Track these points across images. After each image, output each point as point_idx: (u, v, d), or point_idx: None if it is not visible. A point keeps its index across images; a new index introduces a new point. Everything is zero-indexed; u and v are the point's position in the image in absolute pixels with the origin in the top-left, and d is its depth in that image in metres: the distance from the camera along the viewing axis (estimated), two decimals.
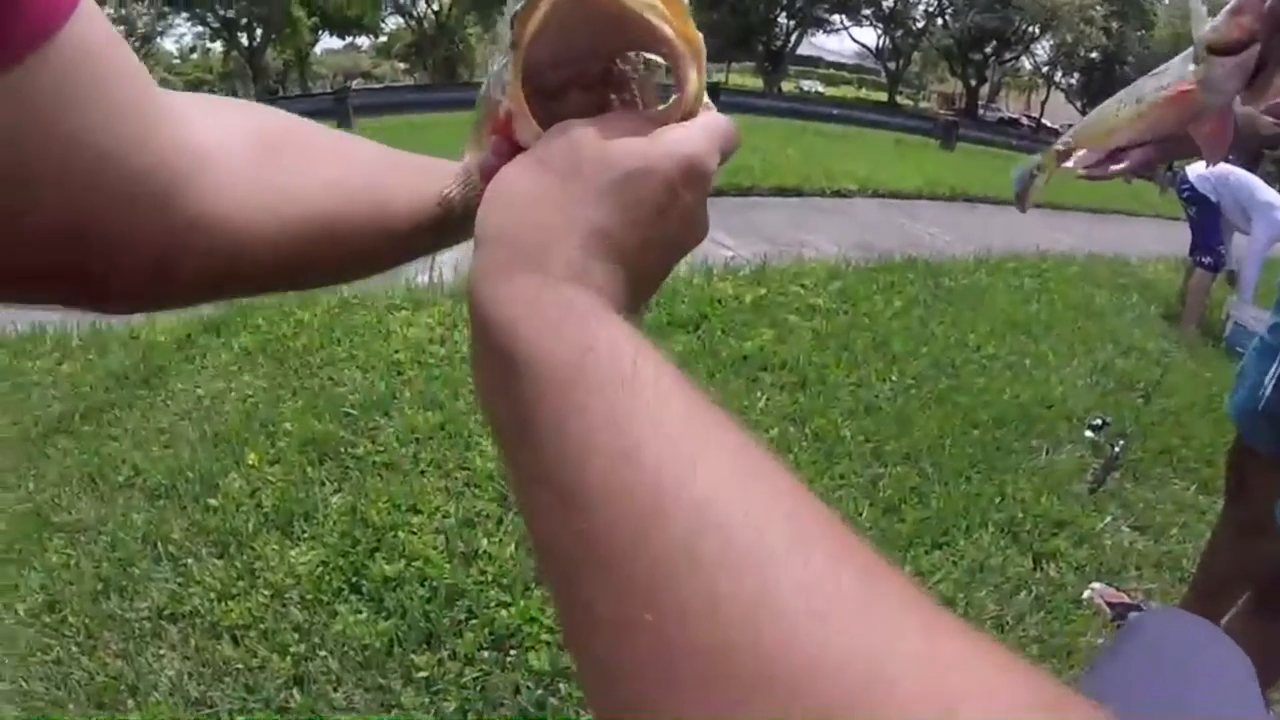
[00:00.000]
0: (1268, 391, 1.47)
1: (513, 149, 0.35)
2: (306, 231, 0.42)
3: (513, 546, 1.95)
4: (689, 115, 0.34)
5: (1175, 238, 5.60)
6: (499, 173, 0.32)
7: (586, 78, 0.37)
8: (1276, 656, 1.40)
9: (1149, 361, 3.94)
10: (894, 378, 3.20)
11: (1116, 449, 2.58)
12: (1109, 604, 2.04)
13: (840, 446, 2.52)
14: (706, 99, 0.35)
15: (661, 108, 0.35)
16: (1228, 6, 0.93)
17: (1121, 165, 1.12)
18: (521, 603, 1.78)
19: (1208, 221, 4.78)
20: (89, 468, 2.41)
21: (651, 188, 0.31)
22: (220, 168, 0.38)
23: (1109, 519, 2.44)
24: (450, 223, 0.48)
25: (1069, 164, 1.16)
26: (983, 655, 0.20)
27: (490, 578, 1.85)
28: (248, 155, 0.40)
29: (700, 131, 0.33)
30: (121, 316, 4.06)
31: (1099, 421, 2.91)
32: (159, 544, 2.04)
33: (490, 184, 0.32)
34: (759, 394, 2.83)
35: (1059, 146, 1.18)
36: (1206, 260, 4.85)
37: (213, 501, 2.20)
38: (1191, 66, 0.96)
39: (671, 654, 0.20)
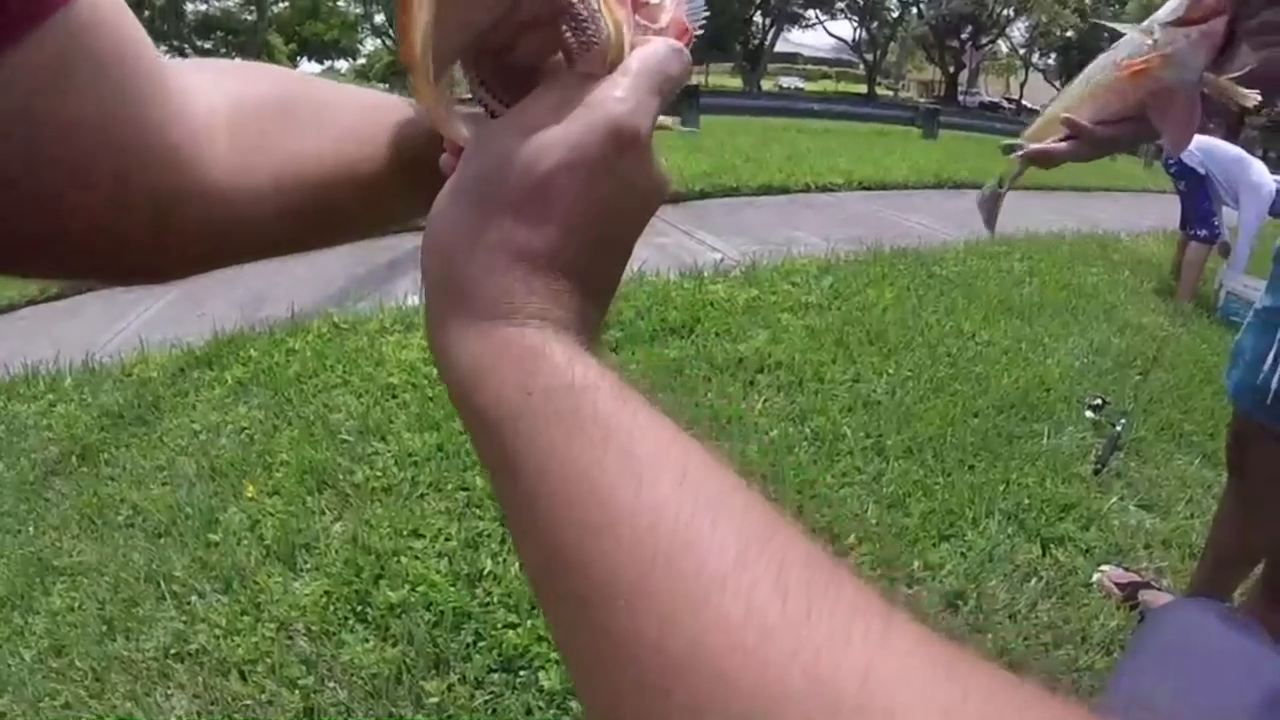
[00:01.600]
0: (1274, 383, 1.44)
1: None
2: (323, 192, 0.42)
3: (517, 566, 1.93)
4: (614, 63, 0.30)
5: (1164, 211, 5.61)
6: (432, 208, 0.30)
7: (533, 18, 0.31)
8: None
9: (1145, 337, 3.94)
10: (891, 370, 3.19)
11: (1118, 428, 2.57)
12: (1118, 585, 2.03)
13: (841, 444, 2.51)
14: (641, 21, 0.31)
15: (577, 64, 0.30)
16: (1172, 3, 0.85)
17: (1062, 145, 0.97)
18: (529, 622, 1.76)
19: (1199, 194, 4.79)
20: (88, 509, 2.39)
21: (578, 180, 0.28)
22: (229, 133, 0.38)
23: (1115, 499, 2.43)
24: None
25: (1015, 159, 1.05)
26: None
27: (496, 598, 1.84)
28: (258, 118, 0.40)
29: (622, 87, 0.29)
30: (112, 348, 4.00)
31: (1099, 401, 2.91)
32: (162, 582, 2.02)
33: (431, 214, 0.30)
34: (756, 396, 2.82)
35: (1010, 149, 1.07)
36: (1202, 233, 4.86)
37: (213, 536, 2.18)
38: (1149, 40, 0.86)
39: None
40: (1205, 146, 4.54)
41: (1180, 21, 0.83)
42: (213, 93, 0.38)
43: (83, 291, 5.74)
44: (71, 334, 4.59)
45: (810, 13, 38.63)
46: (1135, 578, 2.05)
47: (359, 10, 34.39)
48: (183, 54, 31.67)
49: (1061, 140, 0.96)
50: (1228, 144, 4.82)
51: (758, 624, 0.20)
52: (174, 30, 29.35)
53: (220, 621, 1.86)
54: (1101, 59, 0.92)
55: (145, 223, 0.35)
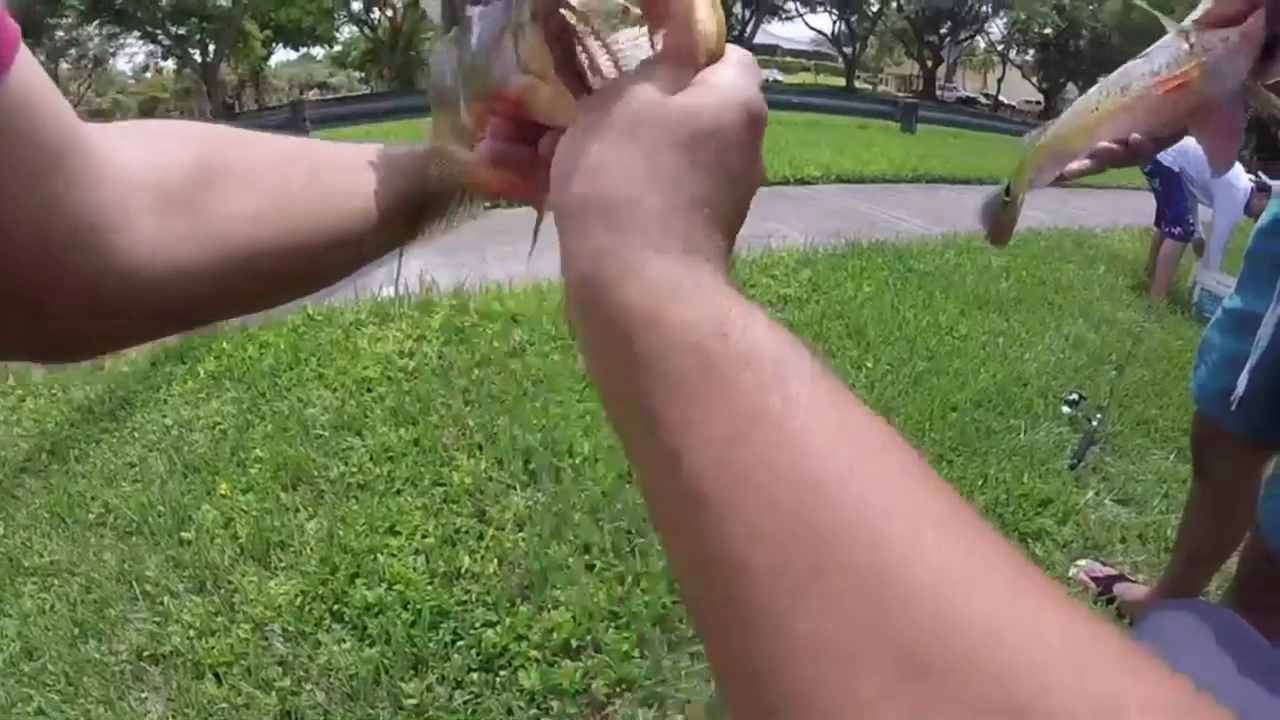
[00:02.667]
0: (1240, 389, 1.43)
1: (519, 130, 0.34)
2: (251, 259, 0.40)
3: (495, 563, 1.92)
4: (714, 56, 0.31)
5: (1139, 207, 5.68)
6: (567, 145, 0.30)
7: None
8: None
9: (1120, 333, 3.98)
10: (869, 365, 3.20)
11: (1094, 423, 2.59)
12: (1095, 579, 2.05)
13: None
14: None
15: (674, 52, 0.31)
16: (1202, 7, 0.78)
17: (1084, 164, 0.92)
18: (508, 620, 1.74)
19: (1173, 192, 4.84)
20: (58, 507, 2.34)
21: (728, 144, 0.30)
22: (151, 208, 0.36)
23: (1091, 494, 2.45)
24: (409, 219, 0.49)
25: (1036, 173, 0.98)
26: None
27: (474, 596, 1.82)
28: (183, 188, 0.38)
29: (742, 72, 0.32)
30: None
31: (1075, 396, 2.93)
32: (134, 583, 1.98)
33: (561, 159, 0.30)
34: None
35: (1028, 152, 0.99)
36: (1176, 230, 4.91)
37: (186, 535, 2.15)
38: (1185, 46, 0.78)
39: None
40: (1179, 145, 4.58)
41: (1215, 22, 0.76)
42: (137, 163, 0.37)
43: None
44: None
45: (790, 5, 38.64)
46: (1112, 571, 2.08)
47: None
48: (155, 40, 31.16)
49: (1090, 157, 0.91)
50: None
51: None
52: (148, 16, 28.80)
53: (194, 622, 1.83)
54: (1138, 66, 0.85)
55: (68, 305, 0.35)
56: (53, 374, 3.41)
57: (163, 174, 0.38)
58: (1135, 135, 0.85)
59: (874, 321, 3.63)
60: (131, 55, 35.25)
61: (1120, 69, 0.87)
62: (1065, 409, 2.91)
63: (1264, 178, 4.70)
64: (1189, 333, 4.15)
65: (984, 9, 35.77)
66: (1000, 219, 1.06)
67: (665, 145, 0.29)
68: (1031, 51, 38.95)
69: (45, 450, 2.71)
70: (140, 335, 0.41)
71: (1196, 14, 0.78)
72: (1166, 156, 4.61)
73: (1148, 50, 0.84)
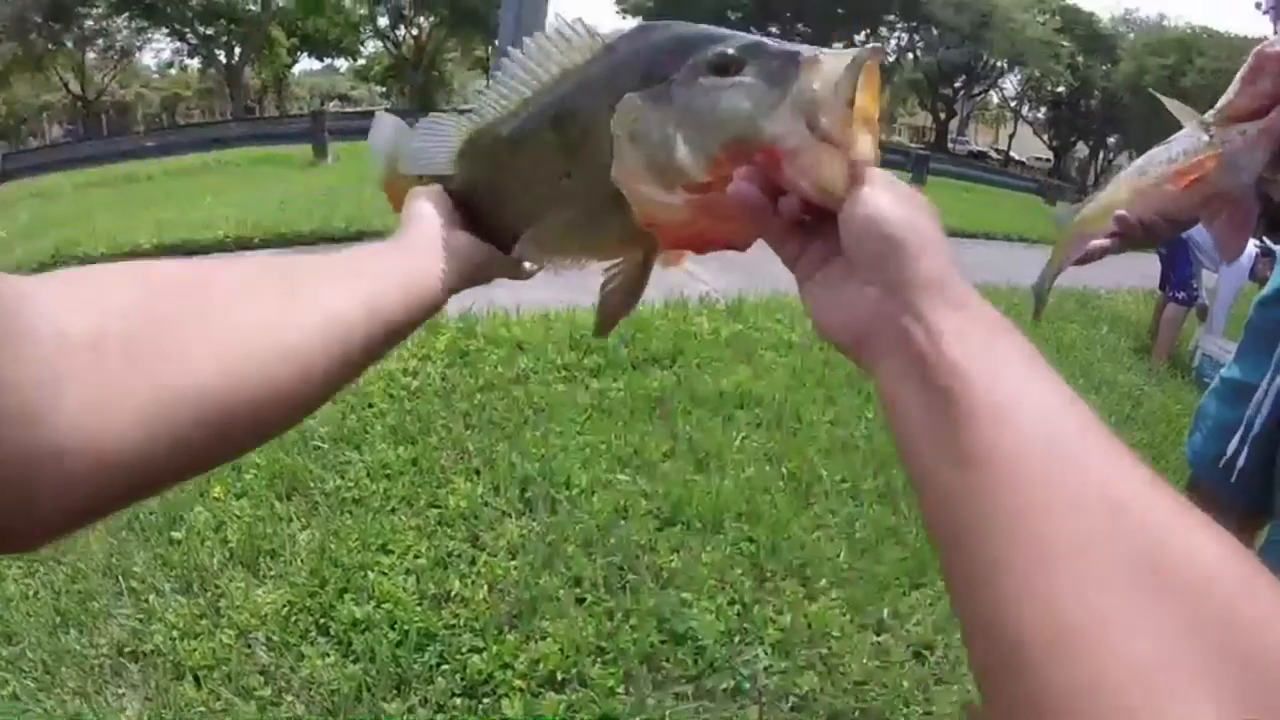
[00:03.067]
0: (1234, 455, 1.43)
1: (769, 188, 0.40)
2: (215, 417, 0.36)
3: (485, 589, 1.91)
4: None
5: (1144, 269, 5.72)
6: (895, 215, 0.37)
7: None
8: None
9: (1120, 395, 4.00)
10: (870, 415, 3.21)
11: None
12: None
13: (817, 485, 2.52)
14: None
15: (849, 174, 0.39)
16: (1240, 72, 0.79)
17: (1104, 244, 0.95)
18: (495, 648, 1.74)
19: (1179, 256, 4.89)
20: None
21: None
22: (80, 381, 0.32)
23: None
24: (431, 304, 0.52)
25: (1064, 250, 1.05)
26: None
27: (463, 621, 1.81)
28: (115, 351, 0.34)
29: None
30: None
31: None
32: (120, 577, 1.98)
33: (895, 209, 0.37)
34: (735, 432, 2.82)
35: (1061, 226, 1.06)
36: (1180, 295, 4.96)
37: (176, 535, 2.14)
38: (1205, 137, 0.80)
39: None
40: None
41: (1235, 115, 0.77)
42: (72, 321, 0.33)
43: (70, 262, 5.68)
44: None
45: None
46: None
47: (364, 11, 34.38)
48: (183, 38, 31.49)
49: (1109, 236, 0.93)
50: None
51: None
52: (178, 14, 29.17)
53: (178, 623, 1.82)
54: (1158, 152, 0.87)
55: (7, 491, 0.31)
56: None
57: (100, 331, 0.33)
58: (1152, 218, 0.87)
59: None
60: (158, 51, 35.64)
61: (1144, 155, 0.90)
62: None
63: (1269, 244, 4.75)
64: (1188, 397, 4.17)
65: (999, 64, 36.28)
66: (1042, 296, 1.16)
67: (929, 229, 0.37)
68: (1044, 109, 39.44)
69: None
70: (95, 513, 0.36)
71: (1219, 105, 0.79)
72: None
73: (1170, 138, 0.85)
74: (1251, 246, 4.70)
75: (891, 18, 36.24)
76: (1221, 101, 0.79)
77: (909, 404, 0.34)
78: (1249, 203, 0.81)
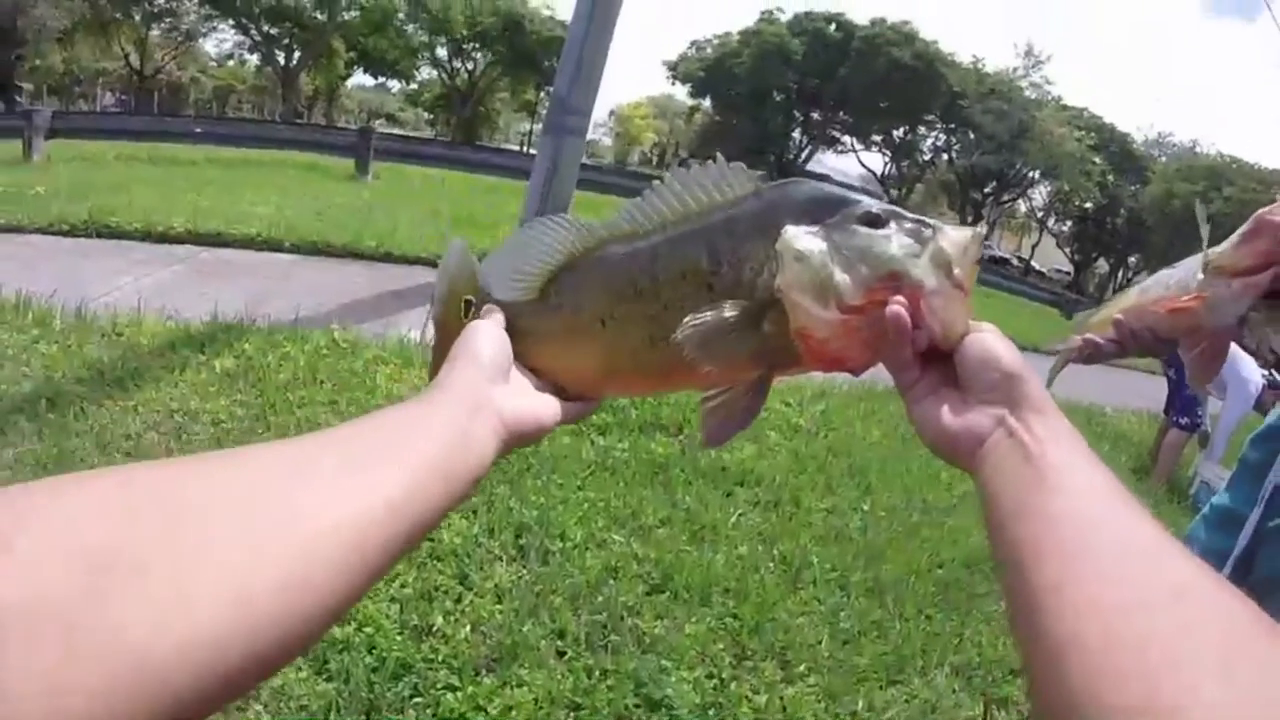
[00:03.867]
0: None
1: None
2: (189, 682, 0.29)
3: (468, 628, 1.90)
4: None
5: (1152, 392, 5.75)
6: (995, 338, 0.49)
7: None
8: None
9: None
10: (866, 507, 3.21)
11: None
12: None
13: (807, 571, 2.51)
14: None
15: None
16: (1241, 229, 0.87)
17: (1105, 345, 1.07)
18: (470, 688, 1.72)
19: (1185, 383, 4.93)
20: (46, 459, 2.35)
21: None
22: (24, 644, 0.26)
23: None
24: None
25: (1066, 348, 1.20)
26: None
27: (441, 657, 1.80)
28: (67, 603, 0.27)
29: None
30: (108, 300, 3.97)
31: None
32: None
33: (1004, 347, 0.49)
34: (733, 509, 2.83)
35: (1069, 345, 1.19)
36: (1183, 421, 4.99)
37: None
38: (1200, 275, 0.91)
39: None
40: None
41: (1228, 270, 0.87)
42: (26, 563, 0.28)
43: (94, 236, 5.76)
44: (74, 275, 4.58)
45: (847, 139, 40.02)
46: None
47: (425, 38, 35.33)
48: (247, 32, 32.20)
49: (1108, 340, 1.06)
50: None
51: None
52: (245, 9, 30.03)
53: None
54: (1164, 275, 0.99)
55: None
56: (71, 326, 3.45)
57: (38, 586, 0.27)
58: (1142, 331, 1.00)
59: (877, 466, 3.66)
60: (220, 41, 36.53)
61: (1154, 275, 1.02)
62: None
63: (1277, 376, 4.79)
64: (1183, 522, 4.14)
65: (1031, 174, 36.92)
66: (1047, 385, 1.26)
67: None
68: (1070, 222, 39.93)
69: (47, 397, 2.72)
70: None
71: (1218, 251, 0.88)
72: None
73: (1177, 264, 0.97)
74: (1260, 378, 4.75)
75: (931, 117, 37.07)
76: (1222, 247, 0.89)
77: (1008, 492, 0.44)
78: (1224, 341, 0.93)
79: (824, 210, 0.53)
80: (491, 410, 0.50)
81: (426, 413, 0.47)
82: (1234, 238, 0.89)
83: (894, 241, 0.51)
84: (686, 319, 0.53)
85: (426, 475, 0.42)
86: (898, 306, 0.48)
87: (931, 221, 0.51)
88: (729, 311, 0.53)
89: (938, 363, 0.51)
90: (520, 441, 0.53)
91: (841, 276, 0.50)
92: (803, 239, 0.52)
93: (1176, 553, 0.37)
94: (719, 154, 0.57)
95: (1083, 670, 0.33)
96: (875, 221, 0.51)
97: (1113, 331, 1.06)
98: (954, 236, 0.51)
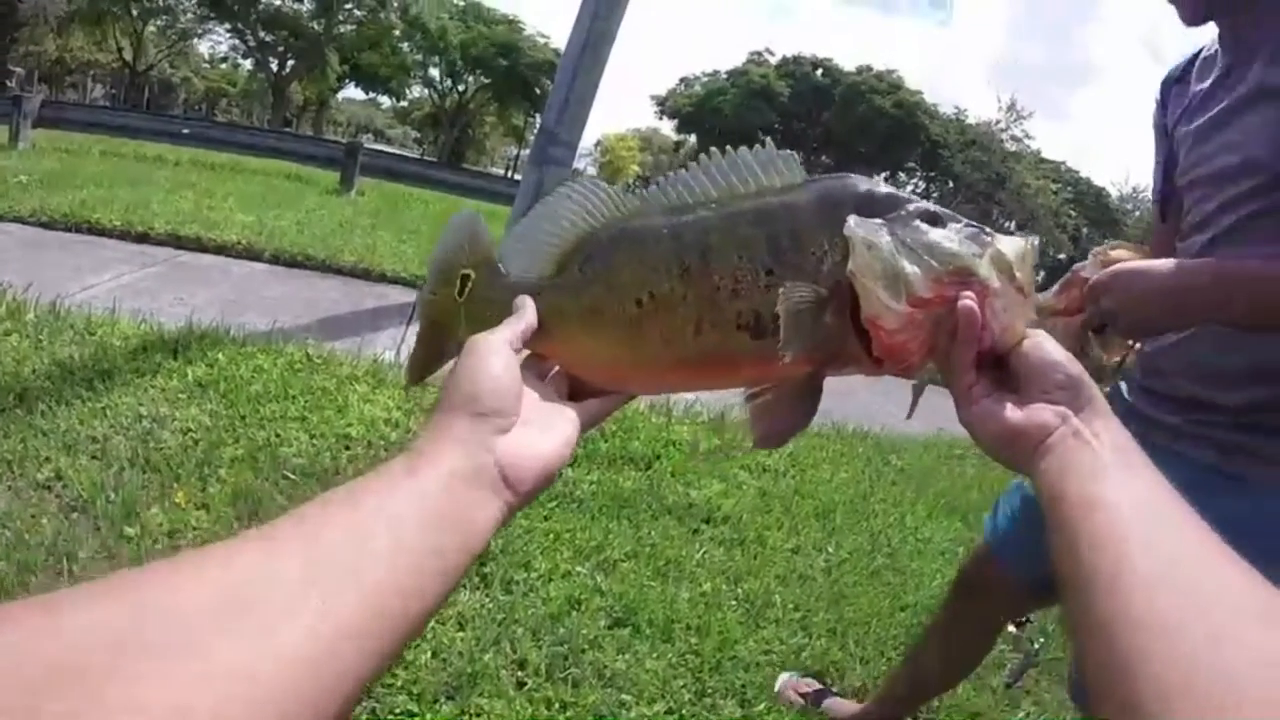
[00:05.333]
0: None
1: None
2: None
3: (429, 654, 1.89)
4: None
5: None
6: (1055, 345, 0.51)
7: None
8: None
9: None
10: (831, 549, 3.24)
11: (1036, 646, 2.61)
12: (801, 694, 2.10)
13: (770, 611, 2.52)
14: None
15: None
16: (1061, 280, 1.15)
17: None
18: (429, 716, 1.71)
19: None
20: (10, 455, 2.32)
21: None
22: None
23: (1022, 715, 2.45)
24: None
25: None
26: None
27: (400, 683, 1.78)
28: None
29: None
30: (82, 298, 3.93)
31: (1022, 619, 2.95)
32: (65, 559, 1.94)
33: (1064, 354, 0.50)
34: (698, 546, 2.84)
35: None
36: None
37: (130, 530, 2.12)
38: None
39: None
40: None
41: (1054, 311, 1.11)
42: None
43: (73, 230, 5.69)
44: (50, 268, 4.53)
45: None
46: (818, 685, 2.14)
47: (418, 57, 35.50)
48: (243, 38, 32.16)
49: None
50: None
51: None
52: (243, 14, 30.04)
53: None
54: None
55: None
56: (44, 320, 3.41)
57: None
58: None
59: (844, 507, 3.69)
60: (215, 43, 36.55)
61: None
62: (1011, 629, 2.93)
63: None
64: None
65: (1007, 225, 37.67)
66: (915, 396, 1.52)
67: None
68: (1043, 273, 40.67)
69: (15, 393, 2.68)
70: None
71: (1043, 296, 1.09)
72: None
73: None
74: None
75: (912, 164, 37.80)
76: (1048, 294, 1.13)
77: (1070, 493, 0.44)
78: None
79: (883, 205, 0.52)
80: (491, 471, 0.44)
81: (404, 501, 0.40)
82: (1056, 287, 1.15)
83: (959, 238, 0.51)
84: (784, 291, 0.50)
85: (392, 596, 0.37)
86: (969, 300, 0.49)
87: (987, 229, 0.52)
88: (818, 292, 0.51)
89: (989, 369, 0.52)
90: (530, 498, 0.47)
91: (912, 268, 0.49)
92: (871, 228, 0.51)
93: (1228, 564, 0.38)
94: (768, 138, 0.55)
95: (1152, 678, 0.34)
96: (936, 220, 0.52)
97: None
98: (1013, 243, 0.51)
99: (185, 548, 2.05)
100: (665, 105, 40.04)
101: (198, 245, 6.01)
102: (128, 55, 32.65)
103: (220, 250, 6.05)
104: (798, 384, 0.55)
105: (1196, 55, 1.29)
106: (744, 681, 2.14)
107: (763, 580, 2.74)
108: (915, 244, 0.50)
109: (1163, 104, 1.35)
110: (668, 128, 43.52)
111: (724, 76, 38.43)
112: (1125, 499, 0.42)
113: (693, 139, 40.18)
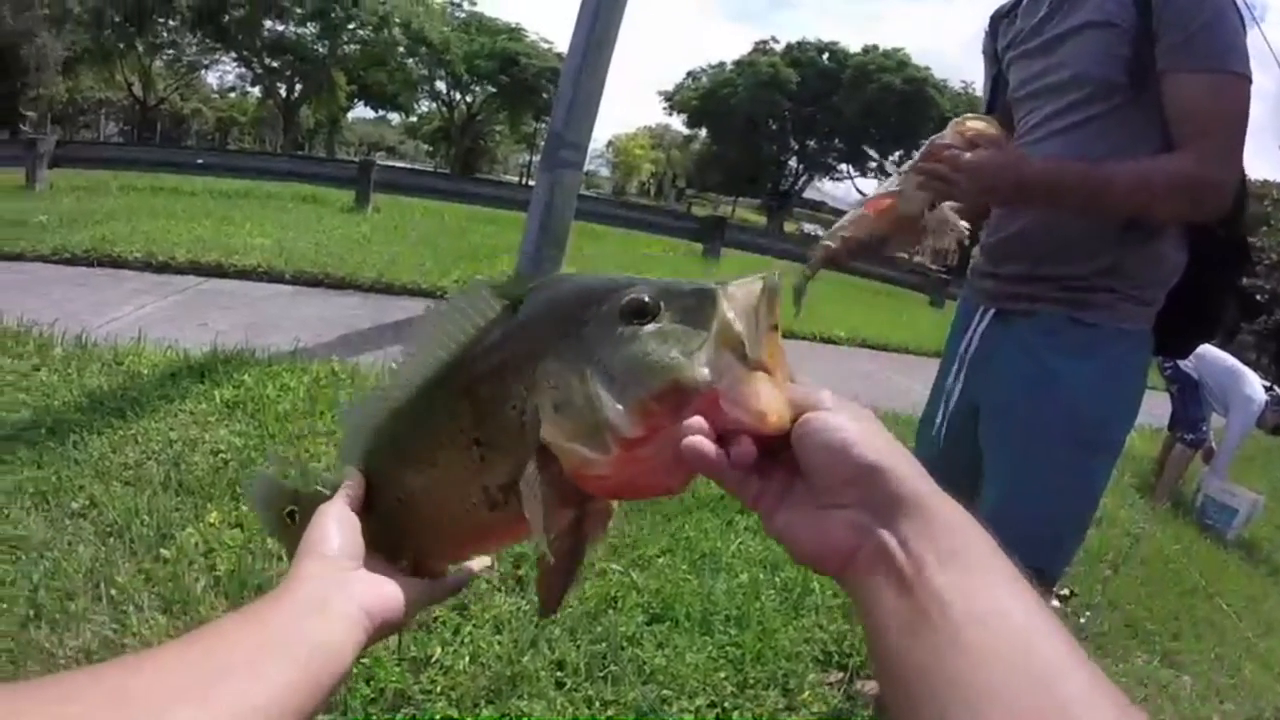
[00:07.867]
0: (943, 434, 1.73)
1: (712, 432, 0.41)
2: None
3: (467, 659, 1.88)
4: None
5: (1154, 409, 5.75)
6: (845, 418, 0.41)
7: None
8: None
9: (1120, 532, 3.98)
10: None
11: (1083, 620, 2.57)
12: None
13: (808, 599, 2.49)
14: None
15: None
16: (920, 150, 1.48)
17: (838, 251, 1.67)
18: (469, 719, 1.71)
19: (1190, 399, 4.97)
20: (45, 485, 2.35)
21: None
22: None
23: None
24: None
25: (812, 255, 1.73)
26: None
27: (440, 689, 1.78)
28: None
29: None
30: (108, 330, 4.00)
31: (1066, 592, 2.92)
32: (102, 584, 1.96)
33: (856, 429, 0.40)
34: (733, 536, 2.81)
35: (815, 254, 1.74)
36: (1188, 436, 5.02)
37: (165, 552, 2.13)
38: (894, 185, 1.56)
39: None
40: (1201, 353, 4.69)
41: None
42: None
43: (95, 265, 5.79)
44: (73, 303, 4.60)
45: (843, 166, 40.32)
46: None
47: (424, 72, 35.76)
48: (250, 66, 32.64)
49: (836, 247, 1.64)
50: (1223, 353, 5.03)
51: None
52: (248, 42, 30.41)
53: (153, 641, 1.80)
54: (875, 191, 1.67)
55: None
56: (71, 354, 3.46)
57: None
58: (866, 236, 1.62)
59: None
60: (223, 73, 37.10)
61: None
62: (1055, 603, 2.89)
63: None
64: (1187, 538, 4.17)
65: None
66: (799, 293, 1.74)
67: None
68: None
69: (46, 425, 2.72)
70: None
71: (909, 163, 1.52)
72: (1188, 364, 4.75)
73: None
74: (1263, 393, 4.81)
75: (923, 141, 37.34)
76: (910, 162, 1.50)
77: (888, 623, 0.35)
78: (916, 225, 1.57)
79: (584, 309, 0.43)
80: (346, 603, 0.47)
81: (261, 635, 0.43)
82: (917, 154, 1.47)
83: (665, 338, 0.41)
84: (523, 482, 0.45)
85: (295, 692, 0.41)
86: (693, 440, 0.38)
87: (711, 287, 0.41)
88: (537, 486, 0.45)
89: (779, 455, 0.40)
90: (388, 628, 0.51)
91: (613, 409, 0.40)
92: (558, 377, 0.42)
93: (1069, 671, 0.33)
94: (476, 280, 0.51)
95: None
96: (643, 311, 0.42)
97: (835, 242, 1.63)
98: (740, 300, 0.40)
99: (221, 567, 2.06)
100: (673, 100, 39.95)
101: (219, 271, 6.08)
102: (138, 91, 33.20)
103: (241, 274, 6.12)
104: (563, 533, 0.48)
105: None
106: (786, 671, 2.12)
107: (800, 568, 2.69)
108: (615, 366, 0.41)
109: (992, 34, 1.64)
110: (678, 123, 43.50)
111: (730, 68, 38.25)
112: (947, 620, 0.33)
113: (704, 132, 40.07)
